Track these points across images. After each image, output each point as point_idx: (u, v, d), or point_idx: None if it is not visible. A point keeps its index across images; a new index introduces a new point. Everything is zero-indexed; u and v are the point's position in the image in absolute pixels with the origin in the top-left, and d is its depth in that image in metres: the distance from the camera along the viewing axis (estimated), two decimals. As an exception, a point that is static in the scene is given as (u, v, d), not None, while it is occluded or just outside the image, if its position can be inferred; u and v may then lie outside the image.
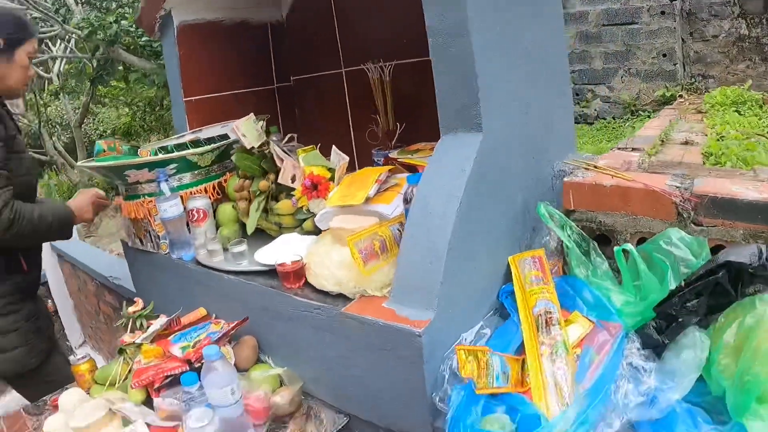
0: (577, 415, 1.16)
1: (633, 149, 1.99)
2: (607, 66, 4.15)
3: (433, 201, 1.39)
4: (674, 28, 3.78)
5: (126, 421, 1.68)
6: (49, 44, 7.35)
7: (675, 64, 3.79)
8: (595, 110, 4.17)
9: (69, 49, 7.11)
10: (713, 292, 1.26)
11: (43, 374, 1.96)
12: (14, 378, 2.16)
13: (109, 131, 11.22)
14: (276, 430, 1.64)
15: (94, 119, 11.67)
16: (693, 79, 3.81)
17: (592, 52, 4.19)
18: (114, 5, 5.38)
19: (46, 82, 9.83)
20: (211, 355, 1.45)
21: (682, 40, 3.89)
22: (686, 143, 2.05)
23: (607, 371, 1.26)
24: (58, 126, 11.11)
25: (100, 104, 11.25)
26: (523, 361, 1.38)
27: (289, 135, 2.24)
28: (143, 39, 5.09)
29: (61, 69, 8.58)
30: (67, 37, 6.18)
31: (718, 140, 2.00)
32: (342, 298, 1.49)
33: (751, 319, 1.20)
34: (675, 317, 1.27)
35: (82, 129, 9.84)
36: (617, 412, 1.22)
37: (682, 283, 1.26)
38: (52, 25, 5.85)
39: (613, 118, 4.26)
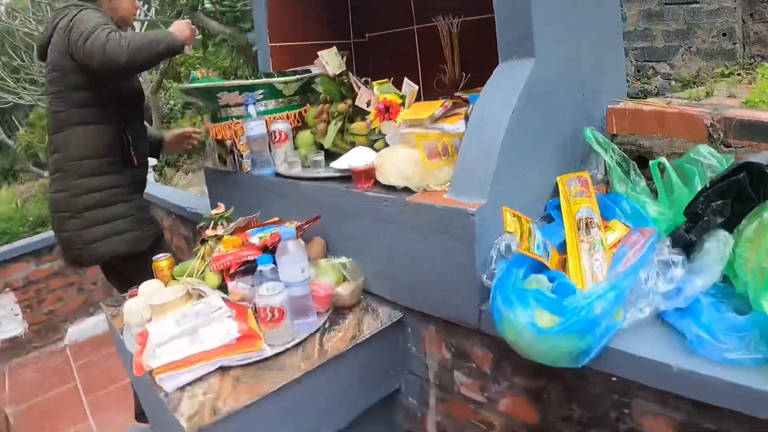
0: (609, 285, 1.32)
1: (678, 98, 2.14)
2: (668, 44, 4.23)
3: (489, 110, 1.59)
4: (734, 8, 3.85)
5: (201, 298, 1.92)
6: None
7: (735, 44, 3.85)
8: (656, 87, 4.26)
9: (149, 15, 7.51)
10: (737, 197, 1.38)
11: (147, 259, 2.23)
12: (124, 258, 2.49)
13: (179, 106, 11.68)
14: (336, 320, 1.87)
15: (165, 93, 12.13)
16: (752, 60, 3.87)
17: (654, 30, 4.28)
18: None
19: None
20: (288, 233, 1.68)
21: (743, 20, 3.96)
22: (730, 96, 2.19)
23: (640, 262, 1.41)
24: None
25: (173, 79, 11.69)
26: (564, 261, 1.56)
27: (363, 79, 2.46)
28: (224, 2, 5.38)
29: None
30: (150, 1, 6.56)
31: (759, 93, 2.12)
32: (406, 192, 1.70)
33: (769, 214, 1.34)
34: (701, 216, 1.42)
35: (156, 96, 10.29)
36: (648, 300, 1.37)
37: (707, 184, 1.42)
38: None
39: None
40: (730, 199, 1.39)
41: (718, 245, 1.37)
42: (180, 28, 2.36)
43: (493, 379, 1.67)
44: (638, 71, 4.47)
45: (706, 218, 1.41)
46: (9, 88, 10.18)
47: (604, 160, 1.76)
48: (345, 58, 2.28)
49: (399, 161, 1.68)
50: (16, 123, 12.70)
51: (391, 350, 1.90)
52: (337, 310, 1.91)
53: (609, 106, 1.82)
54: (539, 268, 1.45)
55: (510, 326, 1.28)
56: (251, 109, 2.21)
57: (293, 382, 1.58)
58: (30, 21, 8.88)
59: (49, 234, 5.07)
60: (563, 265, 1.54)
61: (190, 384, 1.59)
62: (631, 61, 4.51)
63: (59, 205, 2.42)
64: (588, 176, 1.79)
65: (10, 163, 9.80)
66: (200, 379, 1.60)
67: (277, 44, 2.81)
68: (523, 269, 1.39)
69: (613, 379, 1.39)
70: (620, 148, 1.73)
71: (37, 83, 10.02)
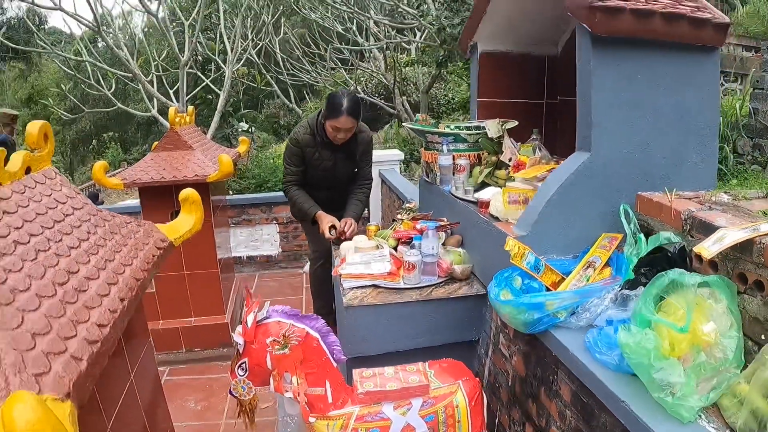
0: (553, 295, 2.27)
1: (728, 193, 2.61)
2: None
3: (551, 182, 2.62)
4: None
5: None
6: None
7: None
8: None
9: (427, 34, 9.46)
10: (662, 268, 1.95)
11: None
12: None
13: (451, 98, 13.33)
14: (448, 283, 3.13)
15: (445, 85, 13.67)
16: None
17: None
18: (463, 8, 6.94)
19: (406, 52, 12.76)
20: (431, 226, 3.02)
21: None
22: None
23: (588, 291, 2.20)
24: (412, 84, 13.50)
25: (443, 80, 13.33)
26: (561, 281, 2.43)
27: (532, 138, 3.62)
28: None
29: (419, 45, 11.18)
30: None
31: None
32: (499, 220, 2.89)
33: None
34: (635, 275, 2.10)
35: (430, 93, 12.08)
36: (587, 315, 2.13)
37: (643, 256, 2.19)
38: (413, 18, 8.24)
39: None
40: (654, 268, 2.01)
41: (637, 296, 2.02)
42: (321, 218, 3.98)
43: (513, 342, 2.62)
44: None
45: (636, 278, 2.09)
46: (306, 68, 13.40)
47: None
48: (505, 124, 3.42)
49: (496, 201, 2.90)
50: (306, 95, 15.75)
51: (475, 312, 3.08)
52: (452, 280, 3.17)
53: (638, 193, 2.56)
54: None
55: (491, 296, 2.36)
56: (444, 148, 3.53)
57: (409, 303, 2.95)
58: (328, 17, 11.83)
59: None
60: (559, 282, 2.40)
61: (355, 288, 3.03)
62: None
63: None
64: (620, 237, 2.53)
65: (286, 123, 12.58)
66: (361, 287, 3.04)
67: (484, 100, 3.93)
68: (517, 273, 2.44)
69: (554, 354, 2.15)
70: (639, 222, 2.61)
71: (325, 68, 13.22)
